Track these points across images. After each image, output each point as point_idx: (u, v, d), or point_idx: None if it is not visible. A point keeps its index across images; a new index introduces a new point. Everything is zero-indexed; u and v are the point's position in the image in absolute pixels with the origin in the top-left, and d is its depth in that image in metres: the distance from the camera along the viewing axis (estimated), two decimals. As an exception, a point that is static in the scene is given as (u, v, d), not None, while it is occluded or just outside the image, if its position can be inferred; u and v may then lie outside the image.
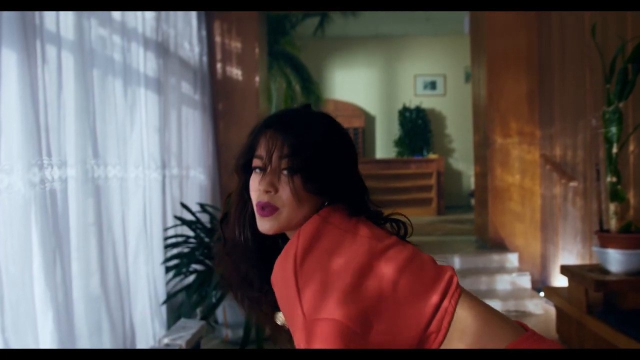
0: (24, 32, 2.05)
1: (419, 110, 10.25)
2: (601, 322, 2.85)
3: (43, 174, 2.12)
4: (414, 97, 10.40)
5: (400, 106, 10.28)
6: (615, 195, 3.04)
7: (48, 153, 2.18)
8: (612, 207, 3.06)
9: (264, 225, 1.01)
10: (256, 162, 1.01)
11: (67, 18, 2.50)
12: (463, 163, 10.13)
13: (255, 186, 1.01)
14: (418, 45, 10.34)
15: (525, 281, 4.52)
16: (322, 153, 0.99)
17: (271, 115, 1.06)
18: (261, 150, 1.01)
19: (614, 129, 3.04)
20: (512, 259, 4.76)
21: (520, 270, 4.65)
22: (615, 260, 2.95)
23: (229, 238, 1.09)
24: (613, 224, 3.05)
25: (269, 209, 0.99)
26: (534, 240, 4.91)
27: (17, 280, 2.00)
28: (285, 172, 0.98)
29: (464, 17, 5.80)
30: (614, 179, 3.05)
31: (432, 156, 9.36)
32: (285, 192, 0.99)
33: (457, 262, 4.72)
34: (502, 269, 4.65)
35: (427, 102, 10.40)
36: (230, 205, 1.10)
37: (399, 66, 10.37)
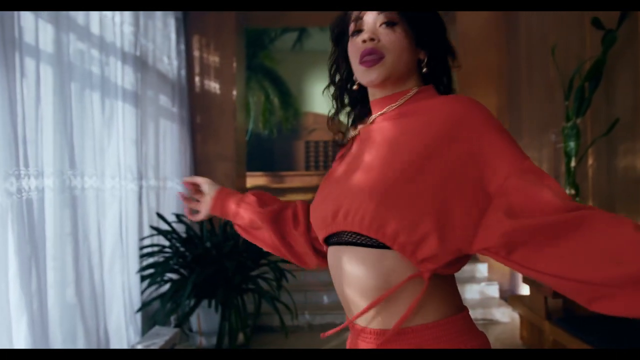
0: (3, 45, 2.13)
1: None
2: (559, 328, 2.98)
3: (20, 183, 2.19)
4: (392, 109, 10.58)
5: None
6: (574, 207, 3.19)
7: (25, 164, 2.25)
8: (571, 218, 3.20)
9: (370, 75, 1.01)
10: (353, 27, 1.04)
11: (46, 32, 2.57)
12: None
13: (357, 46, 1.02)
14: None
15: (493, 290, 4.66)
16: (422, 12, 1.02)
17: None
18: (358, 13, 1.03)
19: (572, 144, 3.20)
20: (482, 269, 4.90)
21: (489, 280, 4.79)
22: (573, 269, 3.09)
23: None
24: (571, 234, 3.19)
25: (374, 55, 1.00)
26: (504, 251, 5.05)
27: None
28: (384, 25, 1.01)
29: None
30: (573, 192, 3.20)
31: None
32: (388, 40, 1.00)
33: (429, 272, 4.83)
34: (472, 279, 4.79)
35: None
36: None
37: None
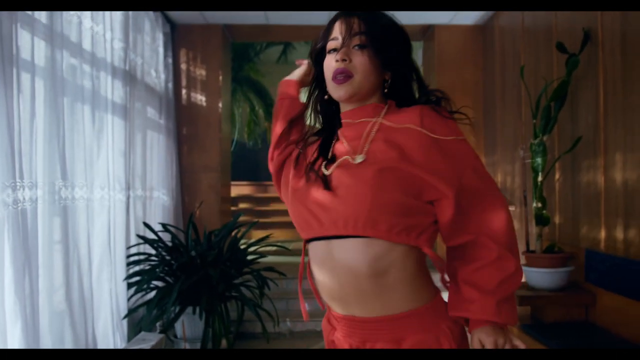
0: (2, 62, 2.26)
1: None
2: (524, 334, 3.16)
3: (16, 195, 2.32)
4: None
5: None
6: (540, 219, 3.38)
7: (20, 175, 2.38)
8: (537, 230, 3.40)
9: (340, 91, 1.21)
10: (330, 45, 1.23)
11: (40, 48, 2.71)
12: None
13: (331, 64, 1.22)
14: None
15: (469, 299, 4.83)
16: (387, 33, 1.21)
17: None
18: (336, 33, 1.22)
19: (539, 160, 3.39)
20: (458, 278, 5.07)
21: (465, 288, 4.96)
22: (539, 277, 3.28)
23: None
24: (538, 245, 3.38)
25: (345, 75, 1.19)
26: (479, 261, 5.24)
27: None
28: (356, 47, 1.20)
29: (418, 50, 6.18)
30: (539, 205, 3.39)
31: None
32: (358, 61, 1.19)
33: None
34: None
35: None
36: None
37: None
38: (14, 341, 2.27)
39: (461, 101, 4.90)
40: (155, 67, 4.66)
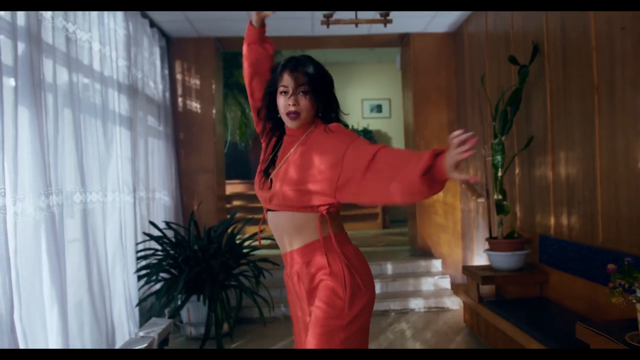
0: (33, 88, 2.68)
1: (366, 132, 11.03)
2: (488, 309, 3.64)
3: (48, 200, 2.75)
4: (361, 119, 11.19)
5: (349, 127, 11.05)
6: (501, 209, 3.86)
7: (49, 184, 2.81)
8: (498, 218, 3.87)
9: (292, 124, 1.81)
10: (282, 89, 1.80)
11: (60, 72, 3.12)
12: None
13: (284, 103, 1.79)
14: (365, 71, 11.17)
15: (445, 283, 5.32)
16: (322, 82, 1.81)
17: (288, 59, 1.83)
18: (285, 82, 1.79)
19: (499, 157, 3.86)
20: (437, 264, 5.56)
21: (443, 274, 5.45)
22: (500, 260, 3.76)
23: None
24: (499, 232, 3.86)
25: (295, 114, 1.79)
26: (456, 248, 5.73)
27: (29, 282, 2.61)
28: (301, 93, 1.78)
29: (396, 55, 6.63)
30: (500, 197, 3.86)
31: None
32: (303, 104, 1.79)
33: (389, 268, 5.48)
34: (427, 273, 5.44)
35: (374, 124, 11.20)
36: (260, 109, 1.94)
37: (347, 91, 11.18)
38: (52, 323, 2.71)
39: (436, 102, 5.47)
40: (153, 79, 5.07)
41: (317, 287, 1.80)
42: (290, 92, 1.78)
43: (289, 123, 1.82)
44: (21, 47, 2.64)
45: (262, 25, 2.01)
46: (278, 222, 1.86)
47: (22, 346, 2.45)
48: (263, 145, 2.00)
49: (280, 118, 1.87)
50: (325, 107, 1.85)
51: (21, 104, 2.61)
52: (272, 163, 1.90)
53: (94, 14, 3.59)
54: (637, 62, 2.64)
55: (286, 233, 1.85)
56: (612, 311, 2.75)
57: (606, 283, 2.20)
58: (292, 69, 1.79)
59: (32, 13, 2.73)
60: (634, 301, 2.04)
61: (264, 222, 2.02)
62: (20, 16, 2.66)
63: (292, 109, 1.78)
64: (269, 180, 1.87)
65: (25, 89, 2.63)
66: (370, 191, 1.64)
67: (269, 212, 1.90)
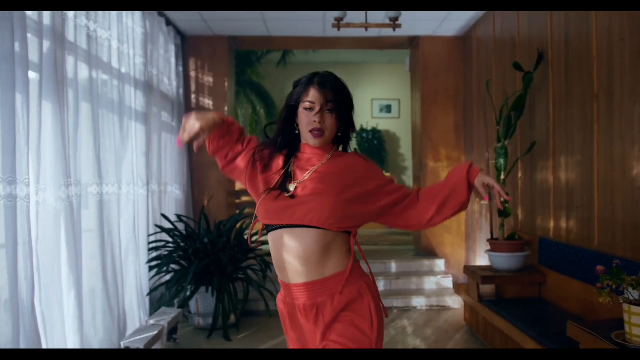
0: (56, 84, 2.82)
1: (375, 132, 11.13)
2: (487, 308, 3.74)
3: (69, 191, 2.89)
4: (371, 119, 11.29)
5: (358, 127, 11.17)
6: (502, 212, 3.96)
7: (69, 175, 2.95)
8: (500, 221, 3.98)
9: (315, 141, 1.72)
10: (306, 105, 1.71)
11: (81, 69, 3.26)
12: (414, 181, 11.07)
13: (308, 119, 1.71)
14: (375, 71, 11.26)
15: (448, 282, 5.42)
16: (347, 103, 1.74)
17: (312, 74, 1.75)
18: (311, 97, 1.70)
19: (502, 161, 3.96)
20: (440, 264, 5.67)
21: (445, 273, 5.56)
22: (500, 261, 3.87)
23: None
24: (501, 234, 3.96)
25: (319, 132, 1.70)
26: (460, 249, 5.83)
27: (48, 268, 2.75)
28: (327, 111, 1.70)
29: (406, 57, 6.73)
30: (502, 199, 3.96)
31: (386, 174, 10.22)
32: (328, 122, 1.71)
33: (394, 266, 5.60)
34: (430, 272, 5.55)
35: (383, 124, 11.29)
36: (277, 124, 1.82)
37: (357, 91, 11.28)
38: (69, 308, 2.86)
39: (444, 104, 5.60)
40: (168, 76, 5.21)
41: (336, 320, 1.67)
42: (318, 109, 1.70)
43: (311, 140, 1.73)
44: (46, 44, 2.79)
45: (213, 128, 1.83)
46: (292, 243, 1.68)
47: (40, 329, 2.60)
48: (249, 164, 1.83)
49: (295, 134, 1.78)
50: (345, 128, 1.79)
51: (45, 99, 2.76)
52: (286, 176, 1.76)
53: (114, 13, 3.73)
54: (635, 72, 2.74)
55: (301, 258, 1.67)
56: (604, 312, 2.85)
57: (597, 284, 2.31)
58: (320, 85, 1.71)
59: (57, 12, 2.88)
60: (621, 301, 2.15)
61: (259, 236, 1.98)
62: (46, 16, 2.81)
63: (317, 125, 1.70)
64: (286, 191, 1.71)
65: (49, 85, 2.78)
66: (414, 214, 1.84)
67: (276, 232, 1.71)
